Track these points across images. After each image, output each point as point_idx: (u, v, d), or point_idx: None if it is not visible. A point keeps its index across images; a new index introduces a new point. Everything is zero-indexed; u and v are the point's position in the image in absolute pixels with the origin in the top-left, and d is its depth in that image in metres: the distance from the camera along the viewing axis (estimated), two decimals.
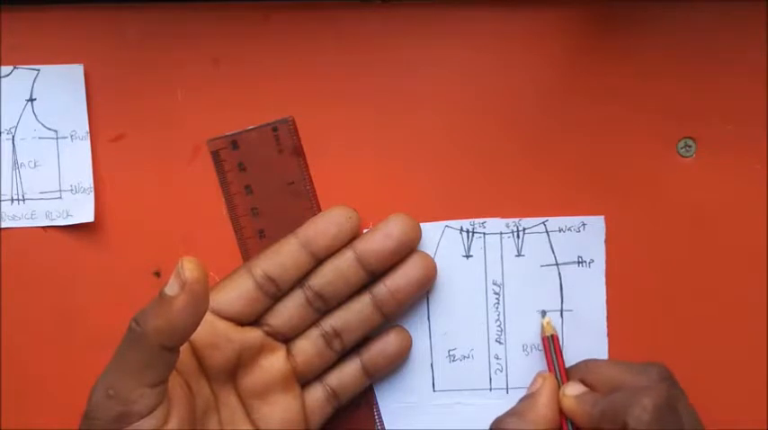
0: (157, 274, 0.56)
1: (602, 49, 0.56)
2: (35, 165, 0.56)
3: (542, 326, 0.55)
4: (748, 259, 0.56)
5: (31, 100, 0.56)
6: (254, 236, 0.56)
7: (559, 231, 0.56)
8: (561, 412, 0.52)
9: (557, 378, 0.53)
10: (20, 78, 0.55)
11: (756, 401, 0.56)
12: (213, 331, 0.51)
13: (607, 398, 0.50)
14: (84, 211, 0.56)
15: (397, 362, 0.55)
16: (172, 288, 0.45)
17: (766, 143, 0.56)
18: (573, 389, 0.52)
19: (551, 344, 0.54)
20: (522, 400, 0.54)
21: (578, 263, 0.56)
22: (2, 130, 0.55)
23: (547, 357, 0.54)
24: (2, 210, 0.56)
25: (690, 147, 0.56)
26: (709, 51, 0.56)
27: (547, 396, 0.52)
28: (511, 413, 0.53)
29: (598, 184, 0.56)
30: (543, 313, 0.56)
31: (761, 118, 0.56)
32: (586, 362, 0.54)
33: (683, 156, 0.56)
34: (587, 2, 0.56)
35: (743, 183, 0.56)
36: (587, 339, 0.56)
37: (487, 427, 0.56)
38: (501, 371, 0.56)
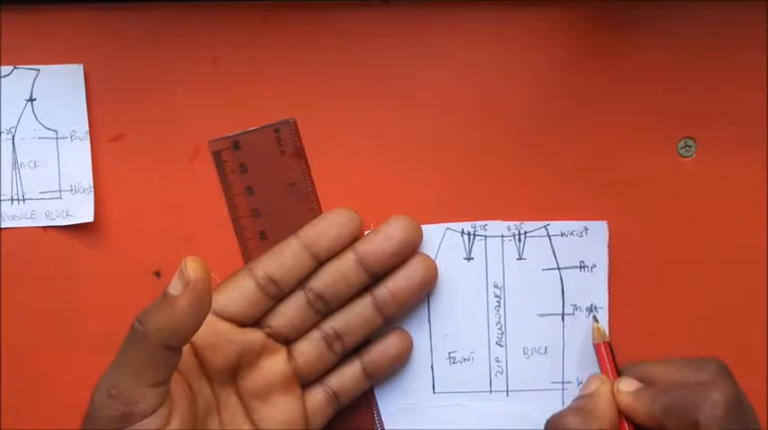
0: (158, 274, 0.56)
1: (602, 49, 0.56)
2: (35, 165, 0.56)
3: (593, 332, 0.55)
4: (748, 259, 0.56)
5: (31, 100, 0.55)
6: (256, 237, 0.56)
7: (561, 235, 0.56)
8: (619, 412, 0.51)
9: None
10: (20, 78, 0.55)
11: (756, 401, 0.56)
12: (214, 332, 0.51)
13: (669, 393, 0.49)
14: (83, 211, 0.56)
15: (397, 364, 0.56)
16: (175, 287, 0.45)
17: (766, 143, 0.56)
18: (628, 385, 0.51)
19: (605, 350, 0.54)
20: (579, 399, 0.53)
21: (580, 267, 0.56)
22: (2, 130, 0.55)
23: (601, 363, 0.54)
24: (2, 210, 0.56)
25: (690, 147, 0.56)
26: (709, 51, 0.56)
27: (607, 395, 0.52)
28: (572, 411, 0.52)
29: (598, 185, 0.56)
30: (595, 319, 0.56)
31: (761, 118, 0.56)
32: (638, 364, 0.53)
33: (683, 157, 0.56)
34: (587, 2, 0.56)
35: (743, 183, 0.56)
36: (589, 344, 0.55)
37: (487, 429, 0.56)
38: (501, 374, 0.56)
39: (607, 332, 0.56)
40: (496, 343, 0.56)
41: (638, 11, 0.56)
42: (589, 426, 0.50)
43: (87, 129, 0.56)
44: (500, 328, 0.56)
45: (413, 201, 0.56)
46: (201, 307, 0.45)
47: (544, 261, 0.56)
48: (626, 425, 0.51)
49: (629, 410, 0.51)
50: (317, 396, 0.54)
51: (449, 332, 0.56)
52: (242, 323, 0.52)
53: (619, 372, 0.53)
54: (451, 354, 0.56)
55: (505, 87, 0.56)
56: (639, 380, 0.52)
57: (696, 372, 0.50)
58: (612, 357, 0.54)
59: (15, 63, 0.55)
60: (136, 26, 0.56)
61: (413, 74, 0.56)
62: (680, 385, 0.50)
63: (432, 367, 0.56)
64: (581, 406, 0.52)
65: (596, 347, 0.55)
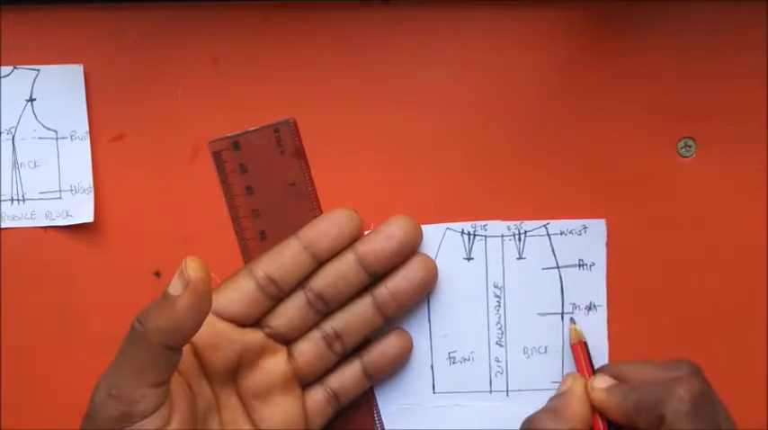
0: (158, 275, 0.56)
1: (602, 49, 0.56)
2: (35, 165, 0.56)
3: (570, 333, 0.55)
4: (748, 259, 0.56)
5: (31, 100, 0.55)
6: (256, 237, 0.56)
7: (561, 234, 0.56)
8: (593, 409, 0.52)
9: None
10: (20, 78, 0.55)
11: (756, 401, 0.56)
12: (214, 332, 0.51)
13: (639, 389, 0.50)
14: (83, 211, 0.56)
15: (397, 364, 0.56)
16: (175, 287, 0.45)
17: (766, 143, 0.56)
18: (601, 382, 0.52)
19: (581, 350, 0.55)
20: (553, 399, 0.53)
21: (579, 266, 0.56)
22: (2, 130, 0.55)
23: (578, 363, 0.54)
24: (2, 210, 0.56)
25: (690, 147, 0.56)
26: (709, 51, 0.56)
27: (579, 393, 0.52)
28: (544, 410, 0.52)
29: (598, 185, 0.56)
30: (572, 320, 0.56)
31: (761, 118, 0.56)
32: (613, 365, 0.54)
33: (682, 157, 0.56)
34: (587, 2, 0.56)
35: (743, 183, 0.56)
36: (588, 342, 0.55)
37: (487, 429, 0.56)
38: (501, 374, 0.56)
39: (606, 330, 0.56)
40: (496, 343, 0.56)
41: (638, 11, 0.56)
42: (561, 426, 0.51)
43: (87, 129, 0.56)
44: (500, 328, 0.56)
45: (413, 201, 0.56)
46: (202, 307, 0.45)
47: (544, 260, 0.56)
48: (599, 421, 0.52)
49: (602, 406, 0.51)
50: (317, 396, 0.54)
51: (449, 332, 0.56)
52: (242, 323, 0.52)
53: (594, 372, 0.54)
54: (451, 354, 0.56)
55: (505, 87, 0.56)
56: (615, 377, 0.52)
57: (669, 372, 0.50)
58: (588, 356, 0.54)
59: (15, 63, 0.55)
60: (136, 26, 0.56)
61: (413, 74, 0.56)
62: (651, 382, 0.50)
63: (432, 367, 0.56)
64: (554, 405, 0.53)
65: (573, 348, 0.55)
